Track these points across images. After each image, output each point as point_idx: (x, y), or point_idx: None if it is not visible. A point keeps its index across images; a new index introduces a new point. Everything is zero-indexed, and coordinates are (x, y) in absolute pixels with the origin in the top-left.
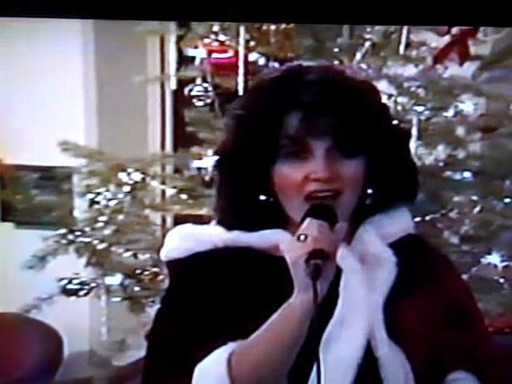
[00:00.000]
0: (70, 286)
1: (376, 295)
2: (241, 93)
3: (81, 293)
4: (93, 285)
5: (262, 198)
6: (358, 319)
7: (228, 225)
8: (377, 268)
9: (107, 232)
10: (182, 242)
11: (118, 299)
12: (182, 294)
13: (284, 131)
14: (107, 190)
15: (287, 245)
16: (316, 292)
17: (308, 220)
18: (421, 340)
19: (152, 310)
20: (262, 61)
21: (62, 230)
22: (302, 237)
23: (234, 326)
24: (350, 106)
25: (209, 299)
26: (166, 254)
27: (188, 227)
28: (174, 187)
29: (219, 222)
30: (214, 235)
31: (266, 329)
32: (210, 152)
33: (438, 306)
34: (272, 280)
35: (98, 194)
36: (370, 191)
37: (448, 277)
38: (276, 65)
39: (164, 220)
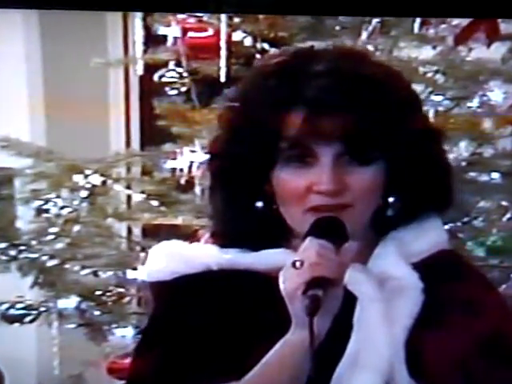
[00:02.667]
0: (12, 312)
1: (397, 329)
2: (223, 80)
3: (26, 319)
4: (41, 309)
5: (261, 206)
6: (374, 358)
7: (223, 238)
8: (399, 296)
9: (59, 246)
10: (168, 261)
11: (74, 326)
12: (168, 324)
13: (284, 132)
14: (58, 196)
15: (282, 273)
16: (312, 330)
17: (307, 240)
18: None
19: (115, 338)
20: (248, 41)
21: (2, 244)
22: (298, 263)
23: (231, 364)
24: (366, 103)
25: (200, 331)
26: (148, 274)
27: (176, 245)
28: (143, 192)
29: (213, 236)
30: (206, 255)
31: (260, 370)
32: (185, 150)
33: (474, 341)
34: (275, 308)
35: (48, 200)
36: (391, 200)
37: (488, 303)
38: (266, 46)
39: (130, 231)
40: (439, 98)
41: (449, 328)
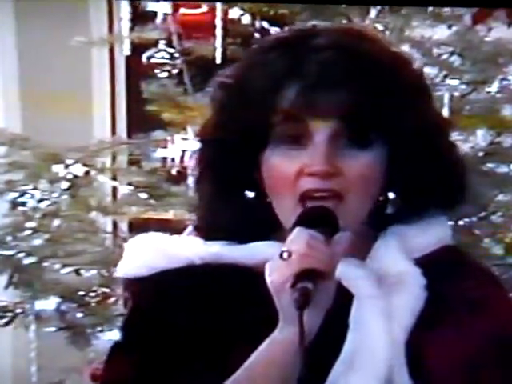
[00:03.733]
0: None
1: (397, 329)
2: (218, 61)
3: (0, 322)
4: (17, 311)
5: (249, 195)
6: (372, 361)
7: (208, 231)
8: (399, 293)
9: (37, 242)
10: (146, 256)
11: (53, 329)
12: (146, 324)
13: (279, 106)
14: (36, 188)
15: (269, 265)
16: (302, 325)
17: (296, 230)
18: None
19: (99, 343)
20: (246, 19)
21: None
22: (286, 254)
23: (215, 364)
24: (368, 80)
25: (182, 331)
26: (124, 270)
27: (155, 237)
28: (130, 184)
29: (197, 229)
30: (189, 248)
31: (246, 370)
32: (177, 138)
33: (480, 341)
34: (262, 304)
35: (24, 192)
36: (391, 196)
37: (495, 302)
38: (266, 25)
39: (116, 226)
40: (455, 82)
41: (453, 328)
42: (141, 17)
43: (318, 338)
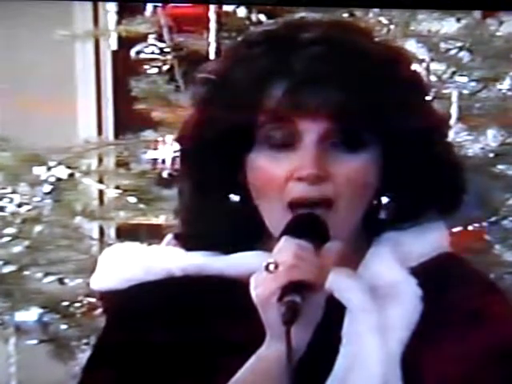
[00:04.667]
0: None
1: (392, 342)
2: (212, 57)
3: None
4: None
5: (234, 201)
6: (366, 375)
7: (189, 240)
8: (394, 305)
9: (17, 250)
10: (123, 267)
11: (35, 342)
12: (123, 341)
13: (265, 104)
14: (15, 192)
15: (254, 277)
16: (289, 342)
17: (283, 240)
18: None
19: (85, 356)
20: (241, 12)
21: None
22: (272, 266)
23: (199, 383)
24: (360, 77)
25: (162, 347)
26: (99, 283)
27: (131, 247)
28: (117, 187)
29: (177, 237)
30: (169, 259)
31: None
32: (168, 138)
33: (480, 354)
34: (248, 319)
35: (2, 196)
36: (385, 200)
37: (496, 312)
38: (263, 18)
39: (102, 232)
40: (464, 79)
41: (452, 340)
42: (129, 9)
43: (309, 354)
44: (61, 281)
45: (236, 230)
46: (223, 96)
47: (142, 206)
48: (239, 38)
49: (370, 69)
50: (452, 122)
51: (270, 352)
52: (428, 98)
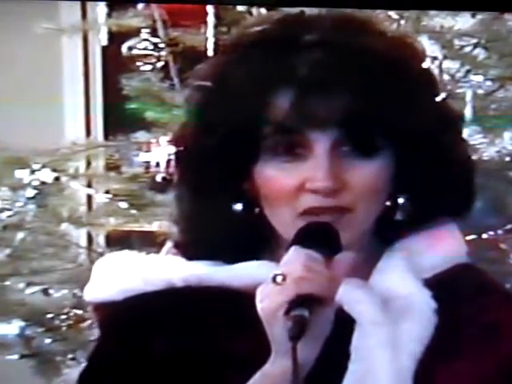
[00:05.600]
0: None
1: (404, 358)
2: (210, 53)
3: None
4: None
5: (239, 209)
6: None
7: (191, 249)
8: (407, 318)
9: None
10: (120, 277)
11: (16, 357)
12: (120, 356)
13: (270, 115)
14: None
15: (260, 290)
16: (295, 359)
17: (292, 250)
18: None
19: (71, 372)
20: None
21: None
22: (280, 277)
23: None
24: (370, 80)
25: (162, 362)
26: (93, 294)
27: (128, 256)
28: (107, 192)
29: (177, 246)
30: (169, 269)
31: None
32: (163, 139)
33: (498, 373)
34: (253, 333)
35: None
36: (400, 201)
37: None
38: (264, 12)
39: (91, 240)
40: (479, 78)
41: (468, 357)
42: (120, 1)
43: (315, 370)
44: (45, 291)
45: (240, 239)
46: (221, 106)
47: (133, 211)
48: (233, 38)
49: (380, 69)
50: (466, 123)
51: (275, 368)
52: (441, 95)
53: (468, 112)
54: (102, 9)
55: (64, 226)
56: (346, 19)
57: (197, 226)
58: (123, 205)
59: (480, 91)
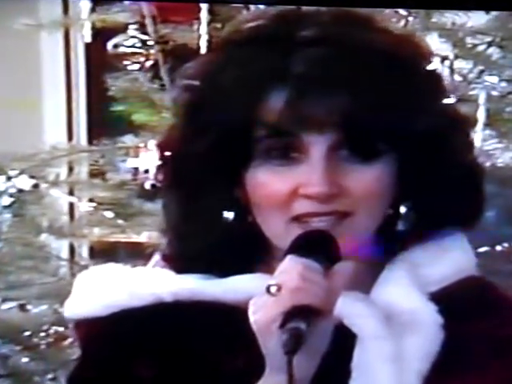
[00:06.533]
0: None
1: (408, 375)
2: (203, 51)
3: None
4: None
5: (231, 218)
6: None
7: (181, 261)
8: (411, 333)
9: None
10: (103, 291)
11: None
12: (102, 375)
13: (263, 117)
14: None
15: (254, 301)
16: (291, 374)
17: (287, 259)
18: None
19: None
20: None
21: None
22: (274, 288)
23: None
24: (370, 80)
25: (147, 381)
26: (74, 309)
27: (114, 269)
28: (91, 200)
29: (166, 259)
30: (157, 283)
31: None
32: (151, 144)
33: None
34: (246, 349)
35: None
36: (403, 209)
37: None
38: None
39: (73, 251)
40: (493, 80)
41: (476, 374)
42: None
43: None
44: (22, 307)
45: (233, 250)
46: (211, 107)
47: (120, 221)
48: (225, 34)
49: (382, 67)
50: (479, 127)
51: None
52: (447, 96)
53: (481, 115)
54: (85, 2)
55: (44, 237)
56: (345, 15)
57: (186, 236)
58: (109, 214)
59: (494, 93)
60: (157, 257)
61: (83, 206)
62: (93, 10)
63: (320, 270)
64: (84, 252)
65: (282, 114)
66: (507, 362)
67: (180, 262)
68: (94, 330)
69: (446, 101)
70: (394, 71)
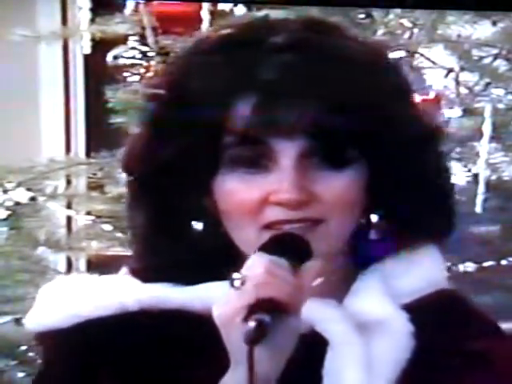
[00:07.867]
0: None
1: (378, 381)
2: None
3: None
4: None
5: (199, 227)
6: None
7: (147, 273)
8: (381, 340)
9: None
10: (66, 302)
11: None
12: None
13: (230, 124)
14: None
15: (218, 299)
16: (252, 363)
17: (255, 255)
18: None
19: None
20: (240, 10)
21: None
22: (238, 282)
23: None
24: (340, 86)
25: None
26: (35, 321)
27: (77, 279)
28: (89, 213)
29: (133, 272)
30: (122, 291)
31: None
32: None
33: None
34: (215, 358)
35: None
36: (374, 218)
37: (499, 357)
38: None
39: (70, 265)
40: (500, 92)
41: (448, 382)
42: (105, 5)
43: None
44: (18, 321)
45: (202, 261)
46: (176, 116)
47: (118, 234)
48: (192, 44)
49: (351, 75)
50: (485, 140)
51: (234, 377)
52: (417, 105)
53: (487, 128)
54: (84, 13)
55: (40, 251)
56: (314, 23)
57: (154, 248)
58: (107, 227)
59: (500, 106)
60: (124, 270)
61: (81, 219)
62: (92, 21)
63: (287, 267)
64: (82, 266)
65: (251, 121)
66: (477, 376)
67: (147, 272)
68: (56, 342)
69: (416, 109)
70: (363, 78)
